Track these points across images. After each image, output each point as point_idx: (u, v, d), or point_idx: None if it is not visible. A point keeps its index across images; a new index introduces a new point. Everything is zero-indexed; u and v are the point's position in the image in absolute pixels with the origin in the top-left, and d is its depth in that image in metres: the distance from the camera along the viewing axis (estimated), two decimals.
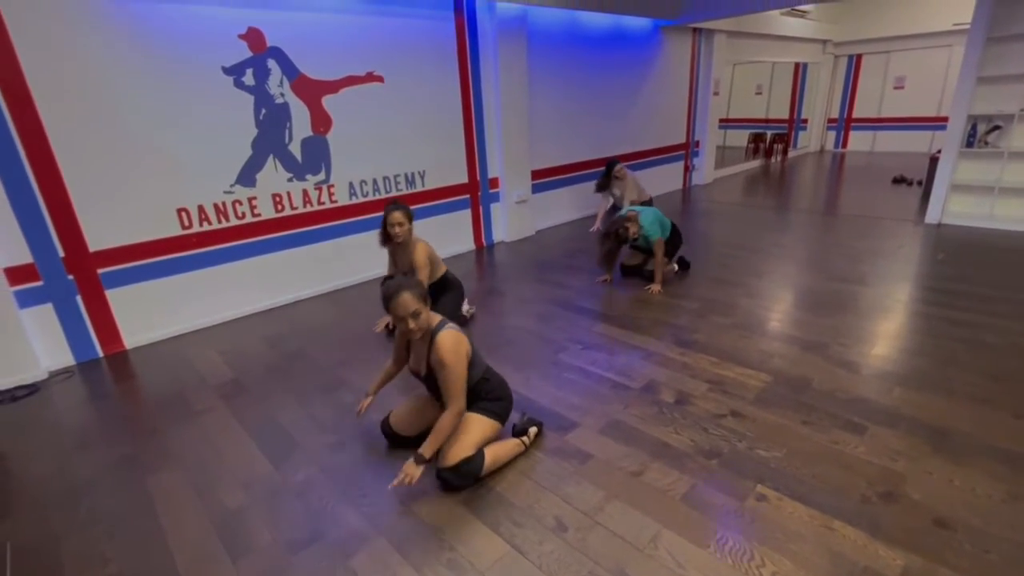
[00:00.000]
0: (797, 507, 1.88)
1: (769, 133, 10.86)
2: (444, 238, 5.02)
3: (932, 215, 5.47)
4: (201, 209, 3.61)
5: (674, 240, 4.18)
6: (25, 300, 3.09)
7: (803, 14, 9.09)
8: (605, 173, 5.85)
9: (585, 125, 6.28)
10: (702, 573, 1.65)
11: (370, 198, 4.49)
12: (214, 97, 3.50)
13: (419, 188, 4.80)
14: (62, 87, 2.98)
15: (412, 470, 1.91)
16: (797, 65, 10.52)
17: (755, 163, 10.27)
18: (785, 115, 11.17)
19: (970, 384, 2.58)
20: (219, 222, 3.71)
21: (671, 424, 2.40)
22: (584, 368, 2.94)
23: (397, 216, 3.19)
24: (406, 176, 4.70)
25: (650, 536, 1.79)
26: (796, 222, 5.99)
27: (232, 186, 3.72)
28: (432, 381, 2.11)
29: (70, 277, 3.21)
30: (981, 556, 1.65)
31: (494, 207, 5.55)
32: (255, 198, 3.85)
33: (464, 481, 2.02)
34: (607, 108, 6.48)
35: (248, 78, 3.62)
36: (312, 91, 3.95)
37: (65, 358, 3.29)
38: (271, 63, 3.71)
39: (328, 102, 4.06)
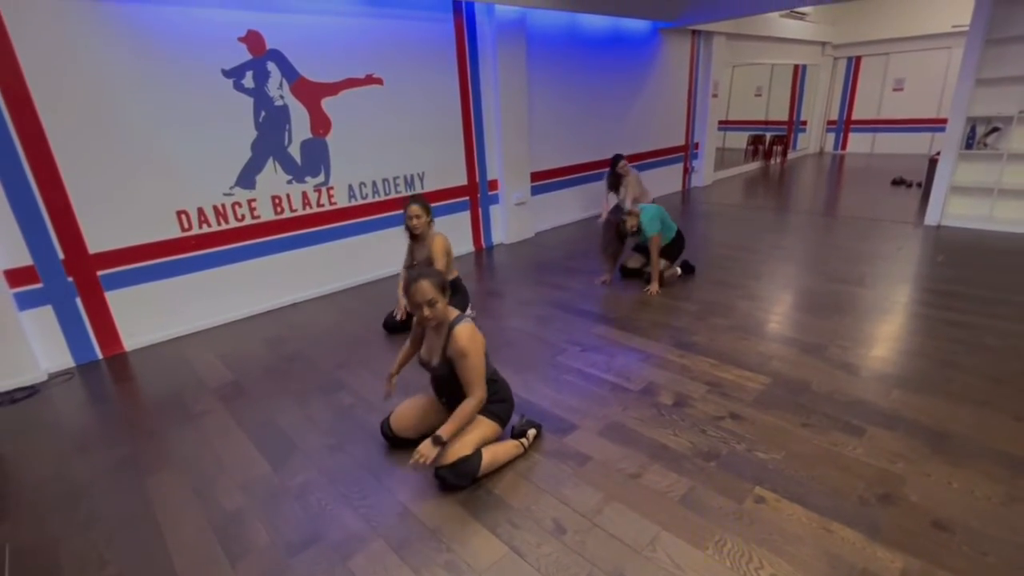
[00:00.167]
0: (796, 509, 1.88)
1: (768, 135, 10.85)
2: None
3: (931, 217, 5.47)
4: (200, 211, 3.62)
5: (677, 243, 4.20)
6: (25, 302, 3.09)
7: (802, 16, 9.11)
8: (612, 169, 5.82)
9: (584, 127, 6.28)
10: (700, 575, 1.65)
11: (369, 200, 4.50)
12: (214, 99, 3.51)
13: (418, 190, 4.81)
14: (62, 89, 2.98)
15: (428, 450, 1.95)
16: (796, 67, 10.53)
17: (754, 165, 10.28)
18: (784, 117, 11.18)
19: (969, 386, 2.58)
20: (219, 224, 3.72)
21: (670, 426, 2.40)
22: (583, 370, 2.94)
23: (415, 209, 3.29)
24: (405, 178, 4.70)
25: (649, 538, 1.79)
26: (795, 224, 5.99)
27: (231, 188, 3.72)
28: (441, 373, 2.13)
29: (70, 279, 3.22)
30: (979, 558, 1.65)
31: (493, 209, 5.55)
32: (254, 200, 3.85)
33: (461, 480, 2.02)
34: (606, 110, 6.49)
35: (248, 80, 3.63)
36: (311, 93, 3.96)
37: (64, 360, 3.29)
38: (271, 65, 3.72)
39: (327, 104, 4.07)
